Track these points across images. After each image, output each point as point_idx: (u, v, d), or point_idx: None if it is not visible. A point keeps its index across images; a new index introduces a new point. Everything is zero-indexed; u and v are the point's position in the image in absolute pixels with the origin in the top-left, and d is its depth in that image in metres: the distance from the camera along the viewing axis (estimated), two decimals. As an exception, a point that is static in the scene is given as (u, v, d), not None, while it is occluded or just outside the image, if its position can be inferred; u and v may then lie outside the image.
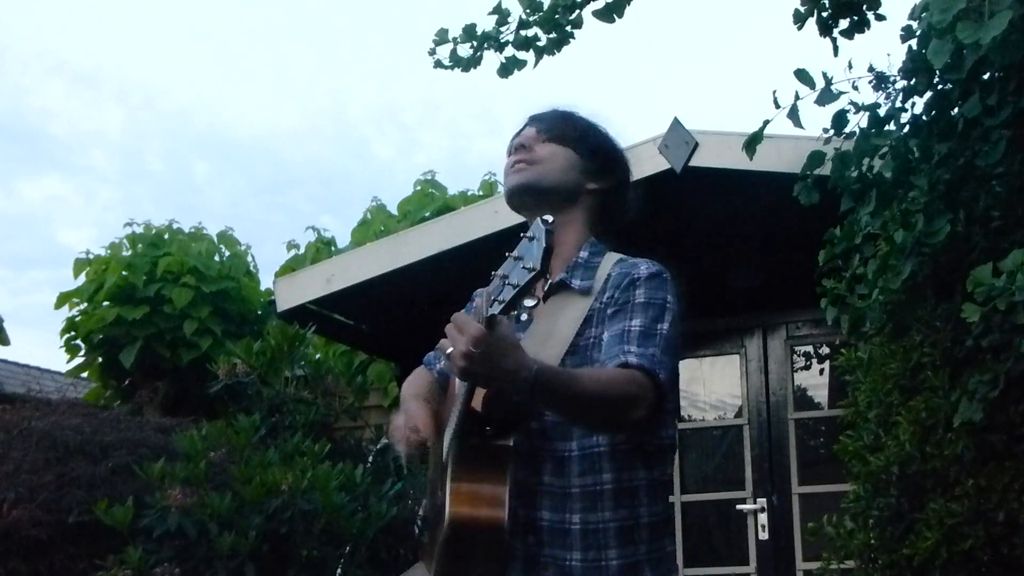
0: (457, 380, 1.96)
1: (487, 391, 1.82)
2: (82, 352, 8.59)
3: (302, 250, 9.81)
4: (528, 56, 3.43)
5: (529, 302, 1.60)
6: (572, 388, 1.79)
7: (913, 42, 2.88)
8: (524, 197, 2.07)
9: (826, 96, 2.87)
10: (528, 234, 1.60)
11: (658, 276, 1.98)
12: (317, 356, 7.86)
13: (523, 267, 1.58)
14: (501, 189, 10.23)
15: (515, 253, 1.61)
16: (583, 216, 2.10)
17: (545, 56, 3.42)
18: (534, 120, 2.14)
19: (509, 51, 3.43)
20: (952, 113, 2.88)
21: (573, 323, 1.97)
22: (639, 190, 2.20)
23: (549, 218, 1.60)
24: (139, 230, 8.91)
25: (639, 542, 1.93)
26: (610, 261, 2.05)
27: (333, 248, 9.66)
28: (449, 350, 1.69)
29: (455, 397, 1.99)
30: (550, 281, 2.01)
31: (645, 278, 1.97)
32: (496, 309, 1.62)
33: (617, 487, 1.93)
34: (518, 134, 2.14)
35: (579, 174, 2.08)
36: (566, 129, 2.10)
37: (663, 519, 1.97)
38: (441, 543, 1.86)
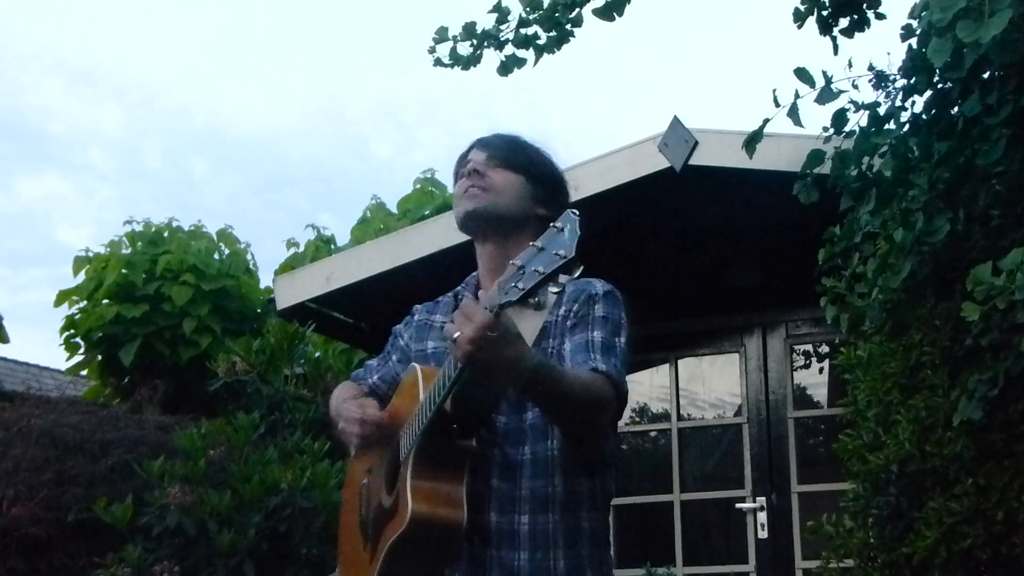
0: (413, 378, 2.02)
1: (458, 392, 1.84)
2: (81, 350, 8.60)
3: (302, 248, 9.82)
4: (528, 54, 3.42)
5: (553, 289, 1.62)
6: (562, 385, 1.85)
7: (913, 41, 2.88)
8: (478, 222, 2.13)
9: (826, 95, 2.87)
10: (557, 224, 1.62)
11: (612, 294, 2.08)
12: (316, 354, 7.87)
13: (554, 254, 1.59)
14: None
15: (537, 243, 1.63)
16: (530, 240, 2.12)
17: (545, 54, 3.41)
18: (483, 145, 2.18)
19: (509, 49, 3.42)
20: (952, 112, 2.88)
21: (530, 336, 1.98)
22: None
23: (576, 211, 1.63)
24: (139, 228, 8.92)
25: (581, 546, 2.00)
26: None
27: (333, 246, 9.67)
28: (456, 335, 1.70)
29: (408, 398, 2.03)
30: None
31: (602, 295, 2.07)
32: (514, 296, 1.63)
33: (566, 492, 2.00)
34: (465, 158, 2.19)
35: (528, 200, 2.14)
36: (516, 156, 2.16)
37: (602, 527, 2.05)
38: (396, 539, 1.89)
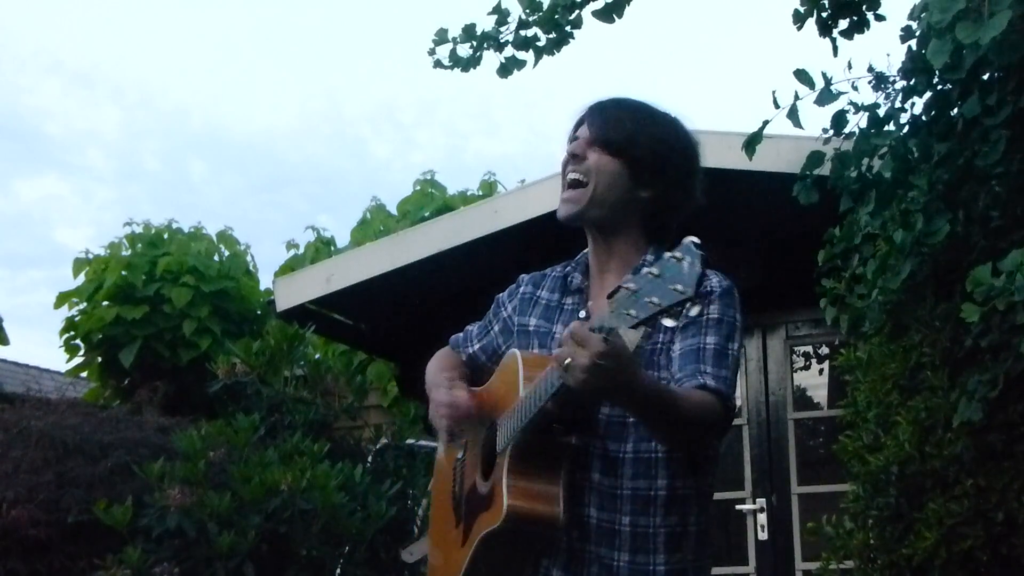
0: (513, 365, 1.98)
1: (563, 393, 1.80)
2: (81, 352, 8.59)
3: (301, 250, 9.81)
4: (528, 56, 3.42)
5: (668, 323, 1.60)
6: (670, 409, 1.80)
7: (912, 42, 2.88)
8: (575, 225, 2.08)
9: (826, 96, 2.87)
10: (676, 254, 1.58)
11: (730, 292, 2.01)
12: (316, 356, 7.86)
13: (671, 287, 1.56)
14: (501, 189, 10.25)
15: (654, 270, 1.59)
16: (637, 223, 2.08)
17: (545, 56, 3.42)
18: (591, 118, 2.09)
19: (509, 51, 3.43)
20: (951, 113, 2.88)
21: (637, 335, 1.97)
22: (702, 179, 2.20)
23: (697, 240, 1.59)
24: (138, 230, 8.91)
25: (686, 550, 1.95)
26: None
27: (332, 248, 9.66)
28: (567, 361, 1.66)
29: (506, 384, 2.00)
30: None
31: (719, 293, 2.00)
32: (627, 324, 1.60)
33: (670, 494, 1.94)
34: (577, 126, 2.10)
35: (627, 185, 2.04)
36: (613, 136, 2.05)
37: (707, 529, 2.00)
38: (490, 532, 1.88)
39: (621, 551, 1.92)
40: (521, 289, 2.20)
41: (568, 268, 2.15)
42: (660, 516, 1.93)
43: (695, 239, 1.60)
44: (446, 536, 2.13)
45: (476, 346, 2.25)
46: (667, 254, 1.60)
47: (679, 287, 1.56)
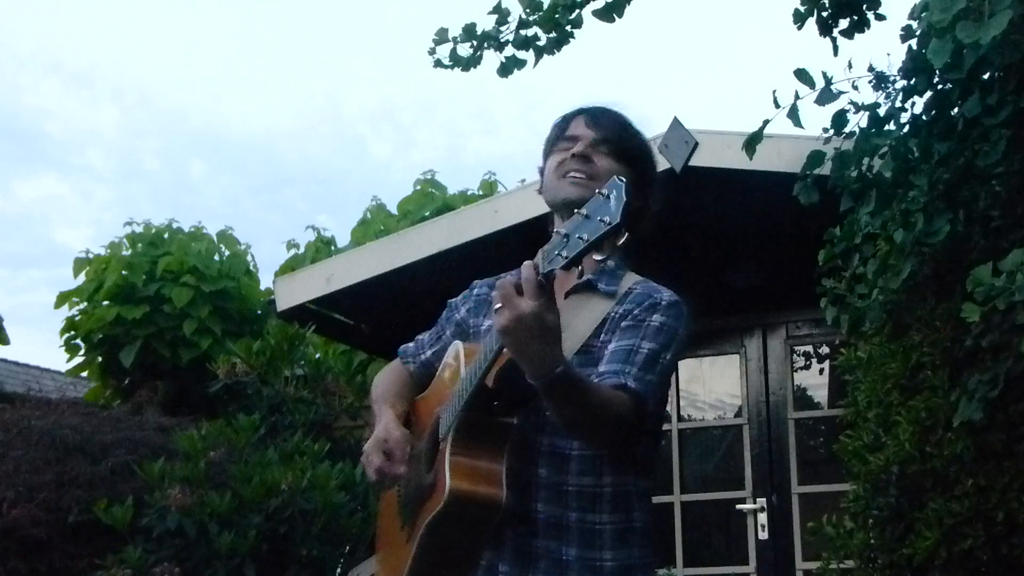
0: (455, 356, 1.99)
1: (501, 368, 1.81)
2: (82, 351, 8.60)
3: (302, 249, 9.82)
4: (528, 56, 3.42)
5: (598, 256, 1.60)
6: (581, 399, 1.79)
7: (913, 42, 2.88)
8: (573, 208, 2.06)
9: (826, 96, 2.87)
10: (603, 191, 1.59)
11: (677, 306, 2.02)
12: (317, 356, 7.86)
13: (599, 220, 1.56)
14: (501, 189, 10.24)
15: (583, 211, 1.60)
16: None
17: (545, 56, 3.41)
18: (593, 122, 2.10)
19: (509, 51, 3.42)
20: (952, 113, 2.88)
21: (591, 323, 1.98)
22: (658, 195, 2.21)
23: (622, 176, 1.60)
24: (139, 230, 8.92)
25: (633, 545, 1.96)
26: (632, 277, 2.09)
27: (333, 248, 9.66)
28: (497, 306, 1.67)
29: (449, 377, 2.00)
30: (576, 280, 2.01)
31: (666, 304, 2.00)
32: (557, 264, 1.61)
33: (615, 490, 1.96)
34: (566, 127, 2.11)
35: None
36: (625, 146, 2.09)
37: (650, 527, 2.01)
38: (434, 516, 1.86)
39: (569, 546, 1.92)
40: (475, 292, 2.20)
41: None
42: (607, 512, 1.94)
43: (620, 176, 1.60)
44: (392, 543, 2.13)
45: (429, 352, 2.24)
46: (592, 196, 1.60)
47: (605, 218, 1.56)
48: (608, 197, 1.57)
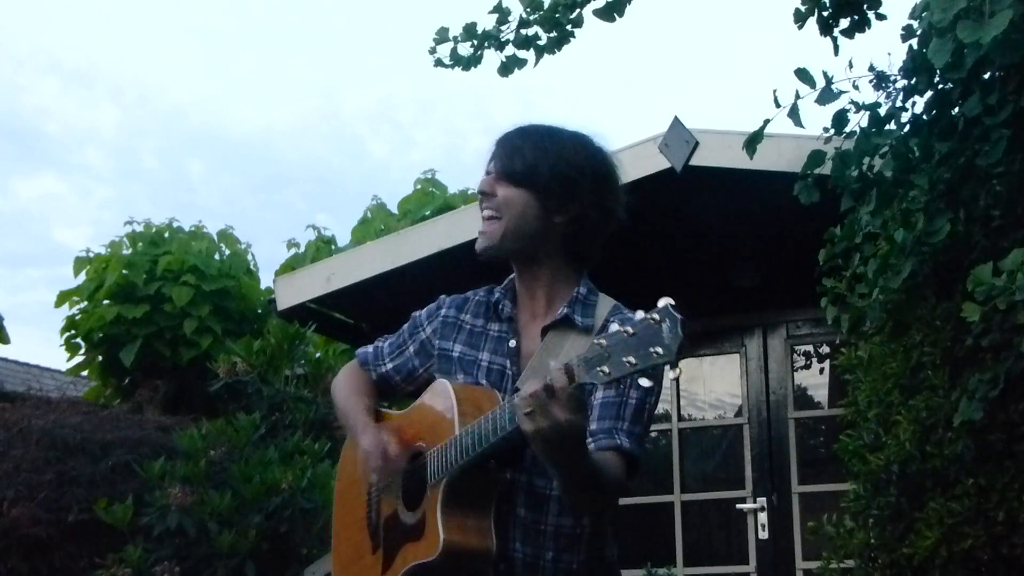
0: (445, 397, 1.96)
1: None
2: (82, 350, 8.61)
3: (302, 249, 9.82)
4: (528, 55, 3.42)
5: (644, 383, 1.61)
6: (593, 480, 1.80)
7: (914, 41, 2.88)
8: (494, 259, 2.06)
9: (826, 95, 2.87)
10: (653, 316, 1.57)
11: None
12: (317, 355, 7.87)
13: (651, 350, 1.55)
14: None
15: (628, 328, 1.58)
16: (557, 249, 2.06)
17: (545, 55, 3.41)
18: (494, 153, 2.08)
19: (509, 50, 3.42)
20: (952, 112, 2.88)
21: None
22: (622, 194, 2.13)
23: (672, 302, 1.57)
24: (139, 229, 8.92)
25: None
26: (606, 303, 2.05)
27: (333, 247, 9.67)
28: (527, 410, 1.65)
29: (434, 415, 1.99)
30: (554, 317, 2.00)
31: None
32: (600, 380, 1.60)
33: (593, 530, 1.98)
34: (487, 168, 2.09)
35: (539, 214, 2.01)
36: (516, 166, 2.02)
37: (617, 558, 2.03)
38: (425, 564, 1.87)
39: None
40: (443, 312, 2.16)
41: (496, 295, 2.12)
42: (584, 553, 1.96)
43: (671, 301, 1.58)
44: (359, 560, 2.12)
45: (389, 365, 2.21)
46: (642, 314, 1.59)
47: (659, 351, 1.55)
48: (660, 325, 1.56)
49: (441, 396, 1.99)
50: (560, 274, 2.06)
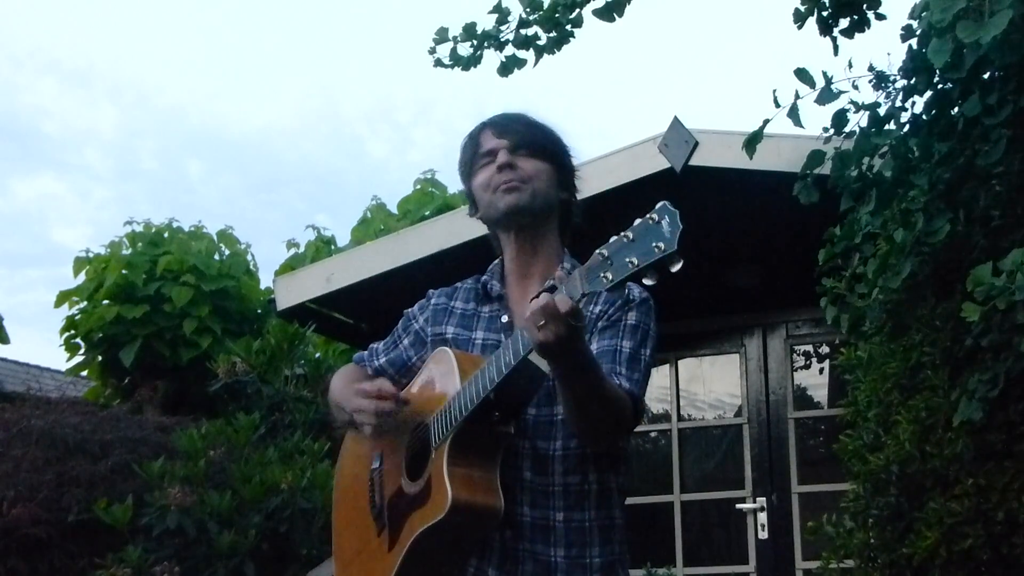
0: (446, 361, 1.98)
1: (508, 380, 1.82)
2: (82, 350, 8.60)
3: (302, 249, 9.82)
4: (528, 55, 3.42)
5: (648, 281, 1.60)
6: (600, 387, 1.83)
7: (913, 41, 2.88)
8: (520, 218, 2.09)
9: (826, 95, 2.87)
10: (651, 215, 1.58)
11: (647, 302, 2.06)
12: (317, 355, 7.87)
13: (652, 245, 1.56)
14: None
15: (628, 234, 1.60)
16: (557, 225, 2.15)
17: (545, 55, 3.41)
18: (501, 132, 2.12)
19: (509, 50, 3.42)
20: (952, 112, 2.88)
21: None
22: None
23: (668, 203, 1.59)
24: (139, 229, 8.91)
25: (615, 542, 2.00)
26: None
27: (333, 247, 9.66)
28: (541, 323, 1.67)
29: (438, 381, 2.00)
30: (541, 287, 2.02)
31: (638, 302, 2.04)
32: (600, 287, 1.61)
33: (601, 488, 1.99)
34: (478, 143, 2.13)
35: (555, 185, 2.11)
36: (541, 142, 2.12)
37: (626, 523, 2.05)
38: (431, 526, 1.86)
39: (556, 546, 1.94)
40: (433, 302, 2.21)
41: (485, 279, 2.17)
42: (593, 510, 1.98)
43: (668, 202, 1.60)
44: (362, 550, 2.12)
45: (383, 359, 2.24)
46: (639, 220, 1.60)
47: (660, 245, 1.56)
48: (659, 222, 1.57)
49: (443, 361, 2.02)
50: (555, 251, 2.13)
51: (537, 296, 1.71)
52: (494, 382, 1.82)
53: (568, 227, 2.18)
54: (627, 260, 1.58)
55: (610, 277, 1.60)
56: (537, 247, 2.11)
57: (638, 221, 1.60)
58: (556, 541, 1.94)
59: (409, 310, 2.27)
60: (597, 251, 1.63)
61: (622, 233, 1.60)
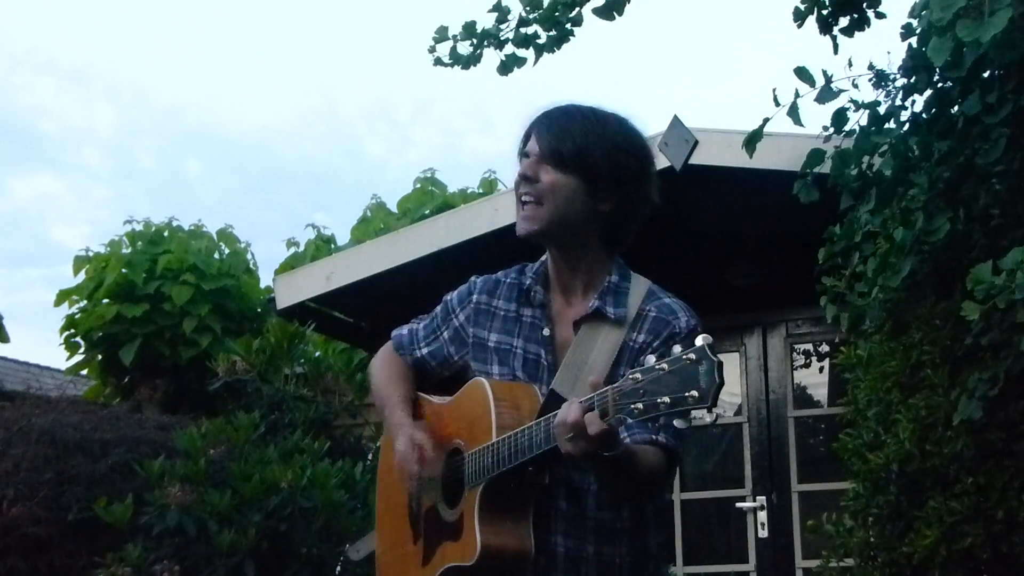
0: (483, 398, 1.95)
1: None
2: (82, 349, 8.60)
3: (301, 248, 9.81)
4: (528, 54, 3.42)
5: (679, 423, 1.60)
6: (632, 472, 1.81)
7: (913, 40, 2.88)
8: (536, 242, 2.03)
9: (826, 94, 2.87)
10: (690, 355, 1.57)
11: (695, 333, 1.89)
12: (317, 354, 7.86)
13: (686, 393, 1.55)
14: (501, 187, 10.30)
15: (664, 365, 1.59)
16: (597, 237, 2.04)
17: (545, 54, 3.41)
18: (538, 134, 2.00)
19: (509, 49, 3.42)
20: (952, 111, 2.88)
21: (607, 355, 1.94)
22: (656, 184, 2.14)
23: (710, 339, 1.57)
24: (139, 228, 8.91)
25: (646, 572, 1.98)
26: (640, 288, 2.04)
27: (333, 246, 9.66)
28: (569, 435, 1.67)
29: (472, 414, 1.98)
30: (585, 311, 1.99)
31: (683, 335, 1.95)
32: (632, 418, 1.62)
33: (635, 522, 1.97)
34: (525, 142, 2.03)
35: (584, 200, 1.97)
36: (571, 153, 1.95)
37: (666, 544, 2.02)
38: (459, 567, 1.89)
39: None
40: (474, 297, 2.12)
41: (528, 279, 2.08)
42: (625, 545, 1.96)
43: (709, 340, 1.58)
44: (401, 546, 2.13)
45: (424, 350, 2.19)
46: (678, 350, 1.59)
47: (694, 394, 1.55)
48: (697, 364, 1.56)
49: (478, 397, 1.97)
50: (597, 261, 2.04)
51: (569, 404, 1.70)
52: (525, 455, 1.82)
53: (616, 237, 2.06)
54: (659, 400, 1.58)
55: (640, 408, 1.60)
56: (573, 262, 2.03)
57: (677, 349, 1.59)
58: (587, 572, 1.93)
59: (449, 298, 2.18)
60: (631, 374, 1.62)
61: (658, 364, 1.60)
